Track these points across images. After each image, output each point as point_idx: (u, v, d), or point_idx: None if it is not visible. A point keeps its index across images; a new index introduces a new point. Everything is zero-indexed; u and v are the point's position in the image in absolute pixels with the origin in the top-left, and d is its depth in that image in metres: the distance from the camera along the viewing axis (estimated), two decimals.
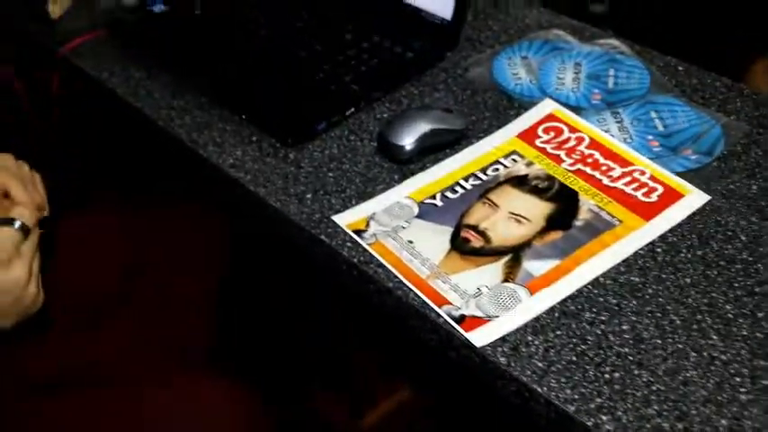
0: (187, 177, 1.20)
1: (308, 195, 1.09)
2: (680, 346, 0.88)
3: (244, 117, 1.21)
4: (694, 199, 1.03)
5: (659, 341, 0.89)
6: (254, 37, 1.31)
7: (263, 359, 1.39)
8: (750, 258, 0.96)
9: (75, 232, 1.29)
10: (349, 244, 1.02)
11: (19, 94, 1.61)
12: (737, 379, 0.84)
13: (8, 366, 1.13)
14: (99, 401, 1.12)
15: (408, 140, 1.12)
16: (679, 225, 1.01)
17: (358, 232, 1.04)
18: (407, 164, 1.13)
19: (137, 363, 1.20)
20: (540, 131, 1.15)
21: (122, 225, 1.34)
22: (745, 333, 0.88)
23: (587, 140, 1.12)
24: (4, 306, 0.93)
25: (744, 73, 1.58)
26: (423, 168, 1.12)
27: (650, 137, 1.12)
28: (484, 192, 1.08)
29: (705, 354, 0.87)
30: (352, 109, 1.20)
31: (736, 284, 0.93)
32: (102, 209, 1.38)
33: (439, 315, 0.93)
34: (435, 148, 1.14)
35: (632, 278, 0.96)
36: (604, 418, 0.82)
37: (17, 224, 0.94)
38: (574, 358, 0.88)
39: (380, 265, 0.99)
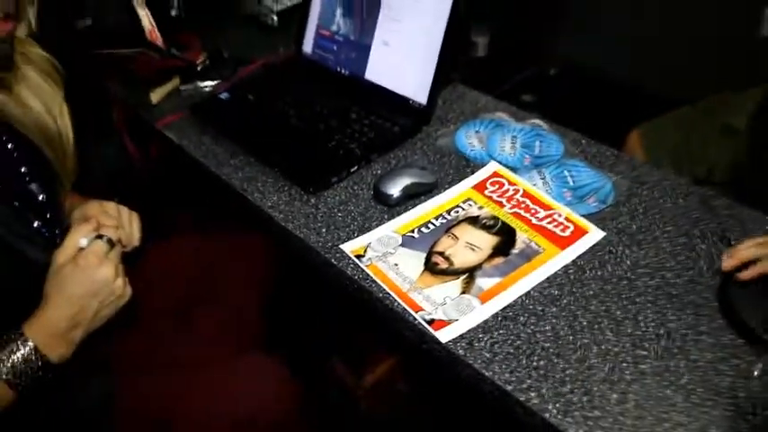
0: (241, 214, 1.16)
1: (323, 229, 1.06)
2: (586, 341, 0.86)
3: (279, 172, 1.17)
4: (595, 234, 1.00)
5: (571, 337, 0.87)
6: (288, 117, 1.28)
7: (295, 343, 1.35)
8: (632, 276, 0.94)
9: (162, 253, 1.26)
10: (352, 265, 1.00)
11: (132, 155, 1.59)
12: (624, 364, 0.83)
13: (110, 350, 1.09)
14: (179, 378, 1.08)
15: (395, 190, 1.09)
16: (584, 253, 0.98)
17: (358, 257, 1.01)
18: (394, 207, 1.10)
19: (207, 348, 1.16)
20: (488, 184, 1.12)
21: (196, 248, 1.30)
22: (629, 331, 0.87)
23: (521, 191, 1.09)
24: (99, 299, 0.88)
25: (622, 143, 1.54)
26: (405, 210, 1.09)
27: (564, 189, 1.08)
28: (448, 227, 1.04)
29: (603, 346, 0.85)
30: (356, 167, 1.16)
31: (623, 295, 0.91)
32: (182, 236, 1.34)
33: (415, 318, 0.90)
34: (414, 196, 1.10)
35: (552, 291, 0.93)
36: (532, 394, 0.80)
37: (105, 238, 0.90)
38: (511, 351, 0.86)
39: (374, 281, 0.97)
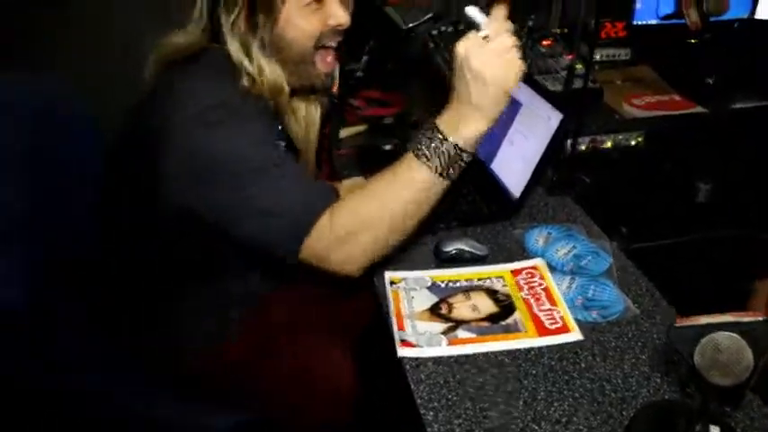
0: None
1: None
2: (502, 407, 1.07)
3: None
4: (574, 335, 1.20)
5: (494, 398, 1.08)
6: None
7: None
8: (577, 376, 1.12)
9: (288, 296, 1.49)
10: (386, 286, 1.32)
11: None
12: (557, 414, 1.04)
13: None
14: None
15: (449, 249, 1.39)
16: (554, 345, 1.18)
17: (392, 283, 1.33)
18: (445, 262, 1.39)
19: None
20: (523, 272, 1.36)
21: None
22: (546, 414, 1.06)
23: (544, 285, 1.32)
24: (508, 83, 1.09)
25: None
26: (452, 266, 1.37)
27: (580, 297, 1.28)
28: (469, 289, 1.32)
29: (518, 419, 1.05)
30: (442, 226, 1.47)
31: (557, 386, 1.10)
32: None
33: (395, 333, 1.21)
34: (464, 260, 1.39)
35: (505, 359, 1.16)
36: (437, 424, 1.04)
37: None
38: (441, 382, 1.11)
39: (389, 301, 1.28)
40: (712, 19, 1.80)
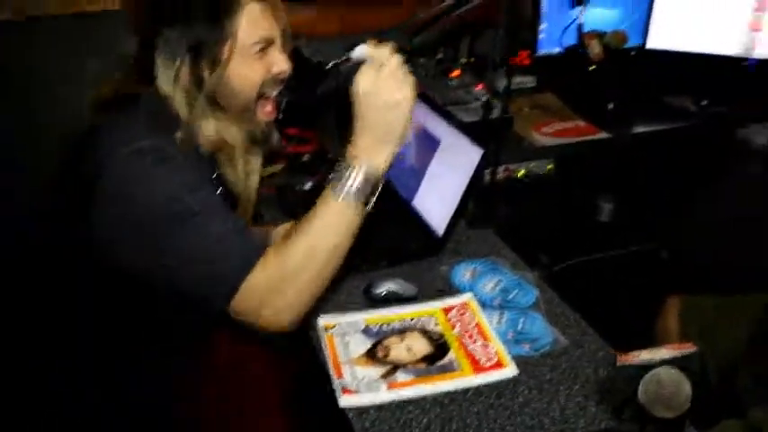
0: None
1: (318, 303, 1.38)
2: None
3: None
4: (509, 370, 1.24)
5: None
6: None
7: None
8: (517, 410, 1.16)
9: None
10: (318, 333, 1.32)
11: None
12: None
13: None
14: None
15: (380, 290, 1.41)
16: (492, 382, 1.22)
17: (326, 329, 1.33)
18: (377, 304, 1.40)
19: None
20: (454, 310, 1.39)
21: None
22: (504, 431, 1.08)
23: (475, 321, 1.35)
24: (404, 106, 1.12)
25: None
26: (384, 307, 1.39)
27: (511, 331, 1.32)
28: (403, 330, 1.33)
29: None
30: (366, 267, 1.49)
31: (499, 422, 1.13)
32: None
33: (334, 381, 1.21)
34: (395, 300, 1.41)
35: (444, 399, 1.18)
36: None
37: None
38: (386, 428, 1.12)
39: (324, 349, 1.28)
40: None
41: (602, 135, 2.11)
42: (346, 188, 1.11)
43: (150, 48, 1.15)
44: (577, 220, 2.84)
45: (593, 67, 2.20)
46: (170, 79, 1.15)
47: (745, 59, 2.31)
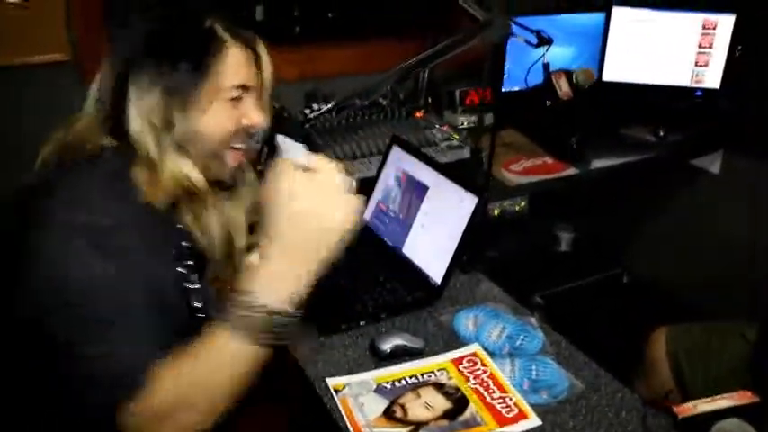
0: None
1: (320, 364, 1.35)
2: None
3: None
4: (532, 421, 1.23)
5: None
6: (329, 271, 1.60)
7: None
8: None
9: None
10: (330, 395, 1.28)
11: None
12: None
13: None
14: None
15: (386, 347, 1.37)
16: None
17: (336, 391, 1.29)
18: (383, 360, 1.37)
19: None
20: (464, 361, 1.37)
21: None
22: None
23: (488, 372, 1.34)
24: (333, 214, 0.98)
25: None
26: (391, 364, 1.36)
27: (526, 379, 1.31)
28: (416, 386, 1.31)
29: None
30: (364, 322, 1.46)
31: None
32: None
33: None
34: (402, 355, 1.38)
35: None
36: None
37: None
38: None
39: (340, 412, 1.24)
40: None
41: (571, 171, 2.16)
42: (241, 325, 0.96)
43: (121, 91, 1.10)
44: (542, 253, 2.91)
45: (549, 102, 2.25)
46: (141, 118, 1.10)
47: (695, 90, 2.42)
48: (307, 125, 1.86)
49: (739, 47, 2.38)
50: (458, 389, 1.30)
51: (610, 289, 2.88)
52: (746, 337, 1.62)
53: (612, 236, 3.01)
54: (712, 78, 2.39)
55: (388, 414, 1.25)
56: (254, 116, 1.20)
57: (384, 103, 2.30)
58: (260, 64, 1.22)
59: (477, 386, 1.31)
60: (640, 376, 1.80)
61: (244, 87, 1.17)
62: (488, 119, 2.45)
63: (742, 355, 1.58)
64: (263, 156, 1.59)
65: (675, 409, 0.94)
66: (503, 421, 1.23)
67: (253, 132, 1.22)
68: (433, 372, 1.35)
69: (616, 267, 2.97)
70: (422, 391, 1.30)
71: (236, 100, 1.17)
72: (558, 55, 2.27)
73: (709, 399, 0.98)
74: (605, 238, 3.01)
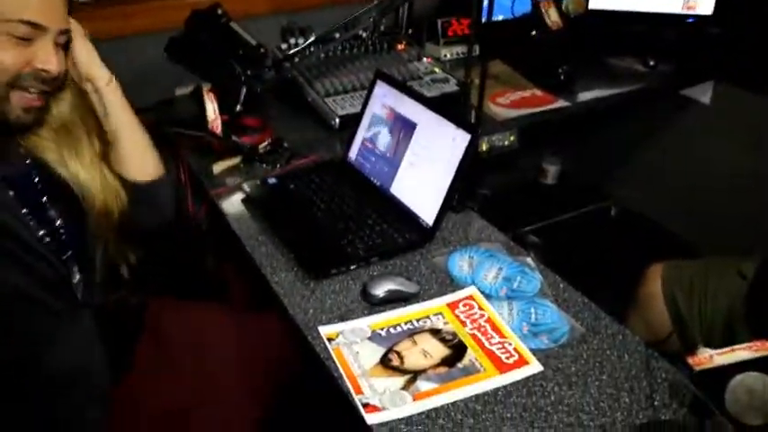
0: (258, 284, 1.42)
1: (311, 310, 1.31)
2: None
3: (292, 254, 1.43)
4: (533, 367, 1.20)
5: None
6: (316, 209, 1.55)
7: None
8: (551, 410, 1.13)
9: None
10: (322, 345, 1.23)
11: (188, 208, 1.86)
12: None
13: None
14: None
15: (379, 292, 1.33)
16: (518, 381, 1.17)
17: (329, 340, 1.24)
18: (376, 306, 1.33)
19: None
20: (460, 305, 1.33)
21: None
22: None
23: (486, 317, 1.30)
24: None
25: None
26: (385, 310, 1.32)
27: (524, 323, 1.28)
28: (412, 332, 1.27)
29: None
30: (355, 265, 1.41)
31: (536, 425, 1.10)
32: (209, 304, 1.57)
33: (354, 399, 1.13)
34: (396, 300, 1.34)
35: (476, 406, 1.13)
36: None
37: None
38: None
39: (334, 362, 1.20)
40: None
41: (561, 103, 2.09)
42: None
43: None
44: (529, 187, 2.87)
45: (534, 32, 2.17)
46: None
47: (687, 17, 2.34)
48: (286, 63, 1.76)
49: None
50: (455, 334, 1.26)
51: (598, 222, 2.87)
52: (743, 273, 1.59)
53: (601, 168, 2.97)
54: (705, 3, 2.31)
55: (385, 362, 1.21)
56: (48, 62, 1.13)
57: (364, 36, 2.20)
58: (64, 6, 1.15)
59: (475, 331, 1.27)
60: (634, 311, 1.79)
61: (35, 25, 1.09)
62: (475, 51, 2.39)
63: (739, 292, 1.56)
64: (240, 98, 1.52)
65: (691, 360, 0.91)
66: (503, 368, 1.20)
67: (45, 77, 1.15)
68: (428, 317, 1.31)
69: (605, 200, 2.95)
70: (418, 337, 1.26)
71: (27, 40, 1.09)
72: None
73: (727, 349, 0.95)
74: (593, 171, 2.98)
